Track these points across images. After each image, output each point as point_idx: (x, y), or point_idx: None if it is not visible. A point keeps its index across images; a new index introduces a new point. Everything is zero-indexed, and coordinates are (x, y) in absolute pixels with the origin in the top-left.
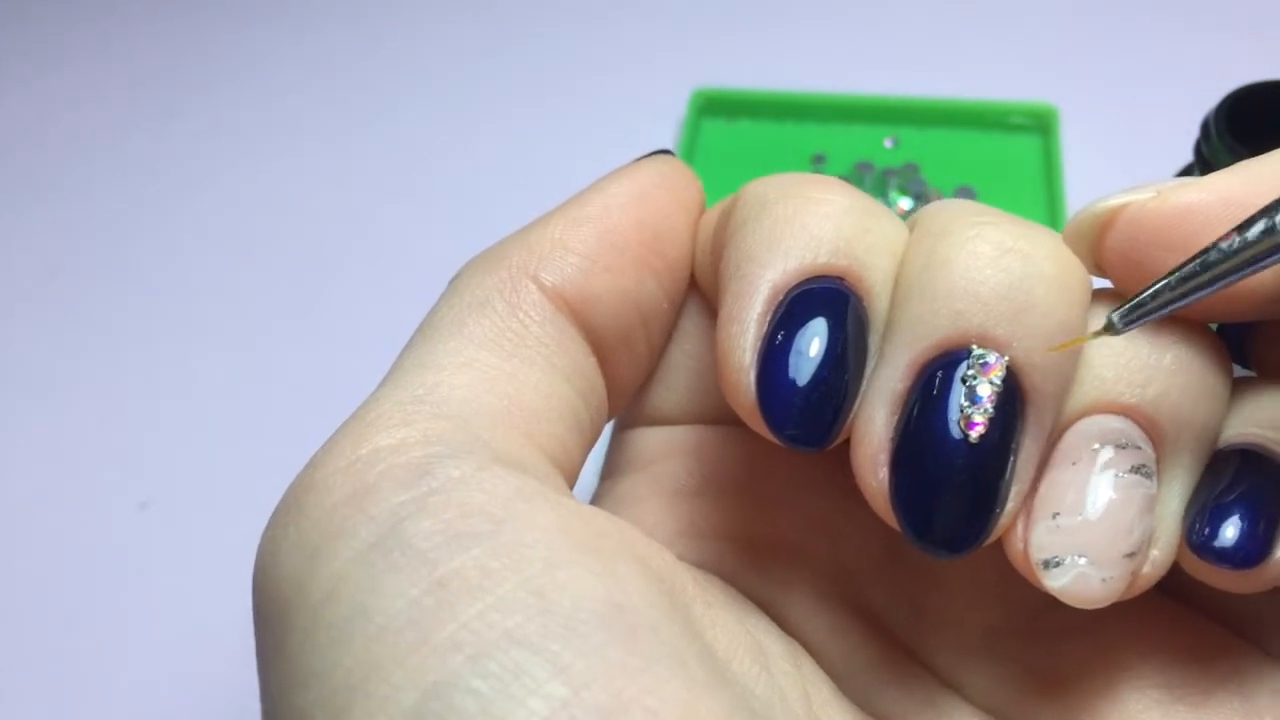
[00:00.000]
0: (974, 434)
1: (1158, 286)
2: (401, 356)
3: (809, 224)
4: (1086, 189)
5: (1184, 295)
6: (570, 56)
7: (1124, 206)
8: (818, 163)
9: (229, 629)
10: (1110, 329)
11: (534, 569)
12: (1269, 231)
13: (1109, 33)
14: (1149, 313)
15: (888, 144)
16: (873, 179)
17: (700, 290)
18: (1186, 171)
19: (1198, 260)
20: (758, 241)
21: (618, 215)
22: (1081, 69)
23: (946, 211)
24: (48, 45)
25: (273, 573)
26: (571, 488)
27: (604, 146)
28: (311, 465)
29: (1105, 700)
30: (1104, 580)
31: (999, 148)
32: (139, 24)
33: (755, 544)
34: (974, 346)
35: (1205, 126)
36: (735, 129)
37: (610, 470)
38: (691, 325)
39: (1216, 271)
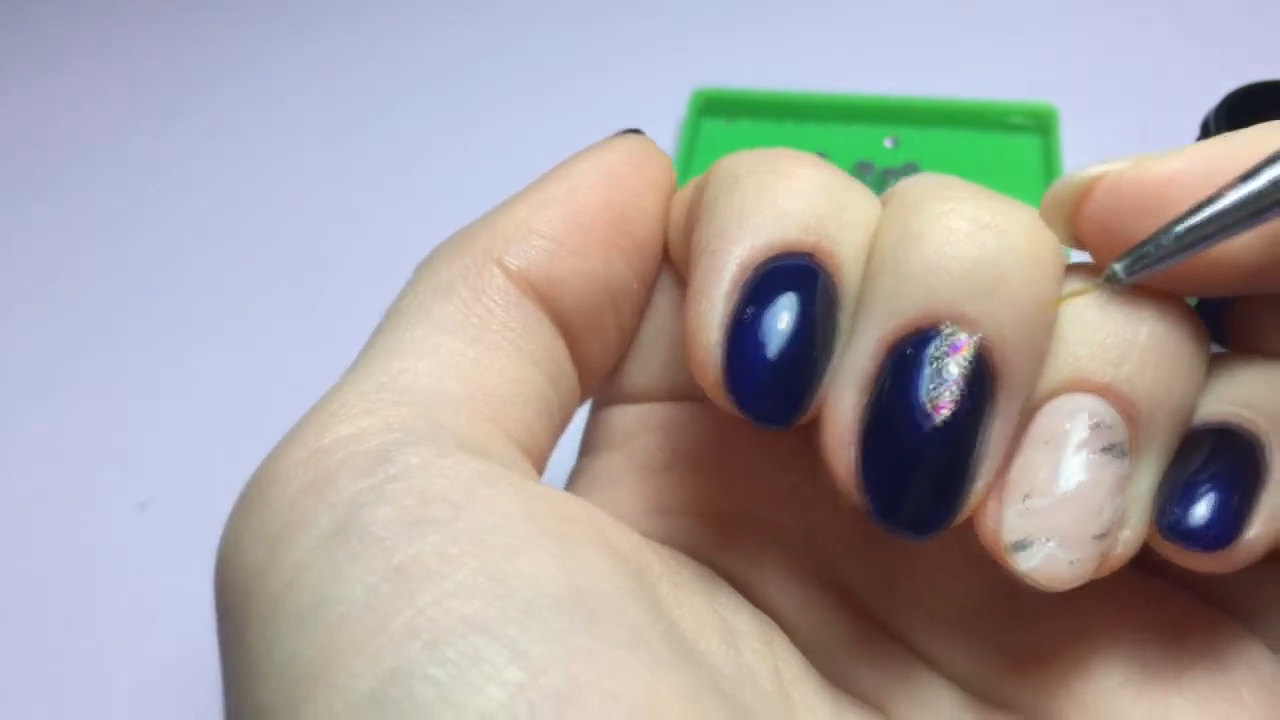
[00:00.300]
0: (941, 415)
1: (1159, 235)
2: (367, 345)
3: (778, 199)
4: None
5: (1187, 245)
6: (570, 56)
7: (1101, 176)
8: None
9: None
10: (1113, 279)
11: (494, 554)
12: (1276, 183)
13: (1109, 33)
14: (1152, 263)
15: (888, 144)
16: (873, 178)
17: (674, 267)
18: None
19: (1203, 209)
20: (727, 217)
21: (584, 196)
22: (1081, 69)
23: (920, 186)
24: (47, 45)
25: (234, 563)
26: (541, 471)
27: None
28: (273, 456)
29: (1081, 676)
30: (1072, 562)
31: (999, 148)
32: (139, 24)
33: (727, 519)
34: (944, 325)
35: (1205, 126)
36: (735, 129)
37: (586, 448)
38: (665, 302)
39: (1223, 220)
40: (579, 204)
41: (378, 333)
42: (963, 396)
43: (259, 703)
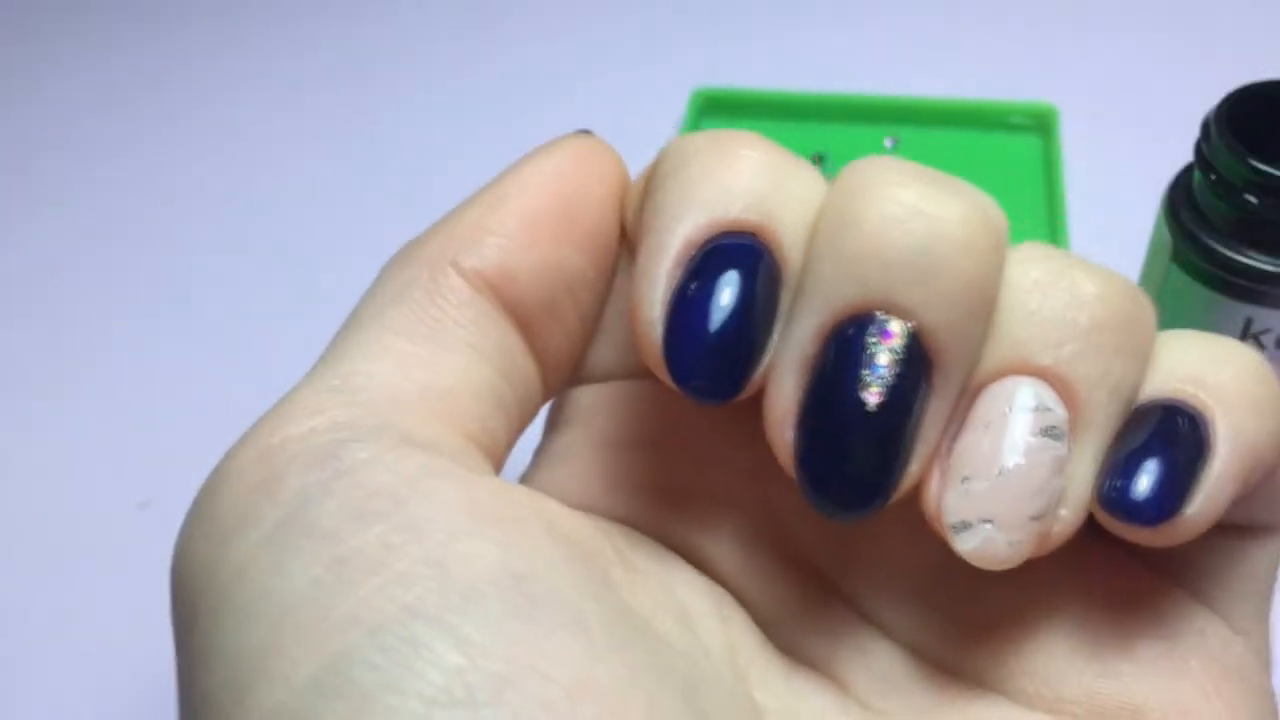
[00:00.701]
0: (871, 403)
1: None
2: (326, 350)
3: (723, 178)
4: (1086, 189)
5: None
6: (570, 56)
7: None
8: (818, 162)
9: None
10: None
11: (434, 543)
12: None
13: (1109, 33)
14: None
15: (888, 144)
16: None
17: (629, 251)
18: (1187, 172)
19: None
20: (672, 197)
21: (533, 192)
22: (1081, 69)
23: (863, 169)
24: (47, 44)
25: (186, 561)
26: (500, 465)
27: None
28: (226, 457)
29: (1032, 642)
30: (1010, 543)
31: (999, 148)
32: (138, 25)
33: (685, 494)
34: (877, 313)
35: (1205, 126)
36: (736, 129)
37: (549, 427)
38: (624, 284)
39: None
40: (529, 200)
41: (336, 337)
42: (894, 384)
43: (204, 691)
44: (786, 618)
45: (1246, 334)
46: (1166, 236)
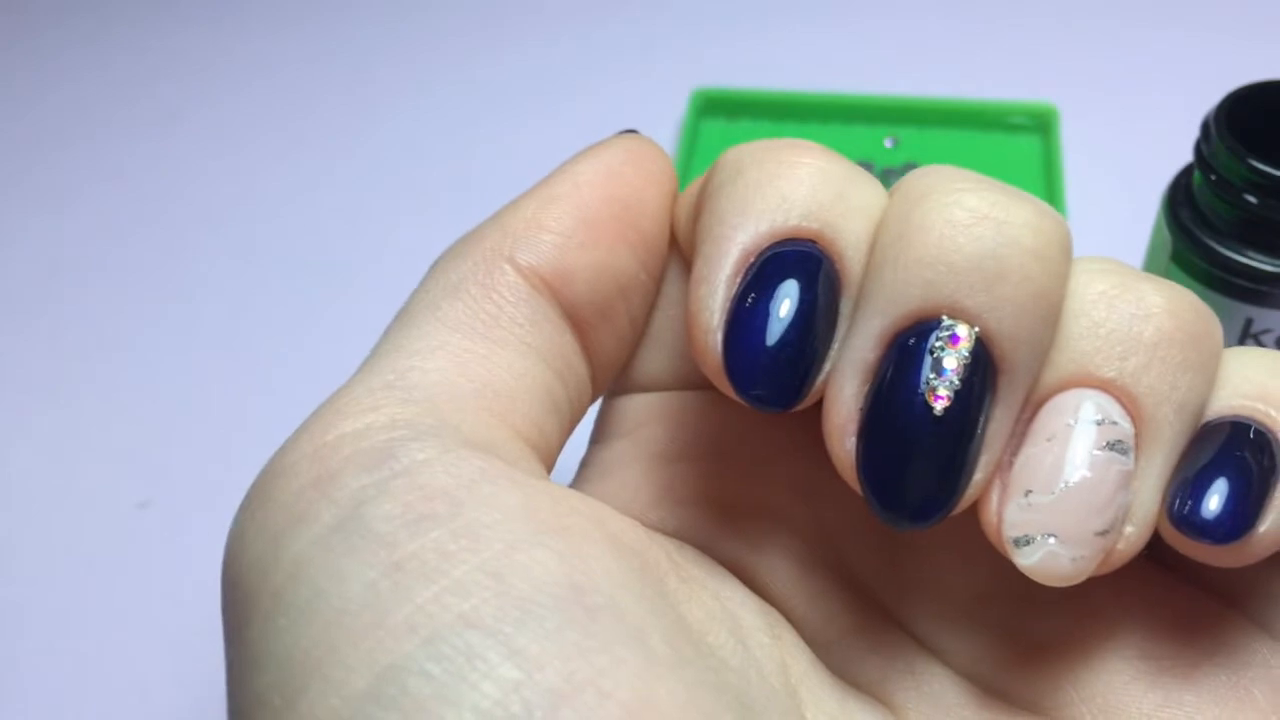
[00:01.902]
0: (938, 407)
1: None
2: (378, 343)
3: (782, 186)
4: (1086, 189)
5: None
6: (570, 57)
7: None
8: None
9: None
10: None
11: (492, 551)
12: None
13: (1109, 33)
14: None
15: (888, 144)
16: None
17: (683, 258)
18: (1186, 172)
19: None
20: (730, 204)
21: (588, 191)
22: (1081, 69)
23: (928, 177)
24: (46, 43)
25: (238, 559)
26: (551, 468)
27: None
28: (280, 452)
29: (1090, 669)
30: (1074, 559)
31: (999, 148)
32: (138, 24)
33: (736, 509)
34: (944, 317)
35: (1205, 126)
36: (736, 129)
37: (596, 437)
38: (674, 292)
39: None
40: (584, 199)
41: (388, 331)
42: (961, 389)
43: (256, 693)
44: (837, 638)
45: (1246, 334)
46: (1166, 236)
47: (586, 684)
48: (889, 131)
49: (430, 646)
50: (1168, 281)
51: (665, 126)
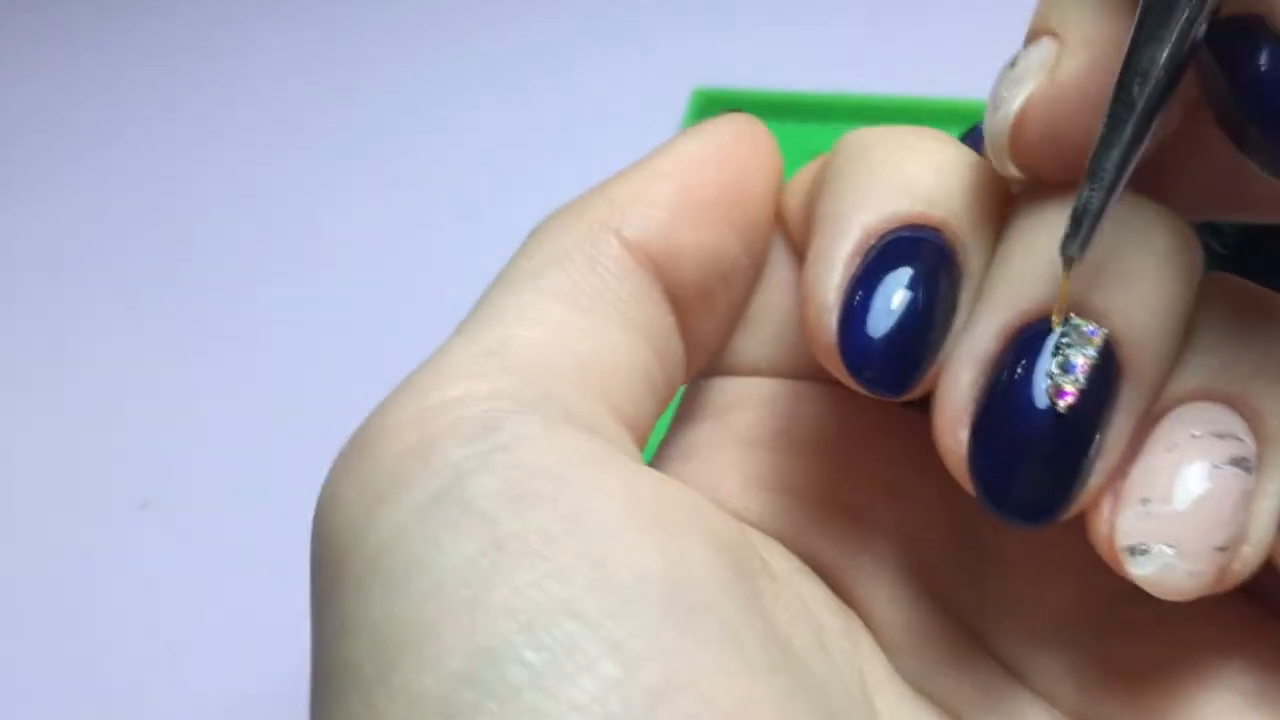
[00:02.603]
0: (1063, 403)
1: (1085, 190)
2: (476, 308)
3: (909, 171)
4: None
5: (1117, 170)
6: (570, 56)
7: (1024, 105)
8: None
9: (228, 628)
10: (1073, 261)
11: (595, 537)
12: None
13: None
14: (1096, 213)
15: None
16: None
17: (789, 243)
18: None
19: (1105, 125)
20: (853, 185)
21: (697, 171)
22: None
23: None
24: (45, 42)
25: (331, 519)
26: (642, 449)
27: (604, 146)
28: (378, 412)
29: (1178, 702)
30: (1191, 573)
31: None
32: (137, 20)
33: (822, 504)
34: (1071, 315)
35: None
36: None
37: (682, 417)
38: (778, 276)
39: (1146, 98)
40: (694, 178)
41: (486, 297)
42: (1087, 386)
43: (346, 660)
44: (915, 649)
45: None
46: None
47: (686, 686)
48: None
49: (529, 633)
50: None
51: (665, 126)
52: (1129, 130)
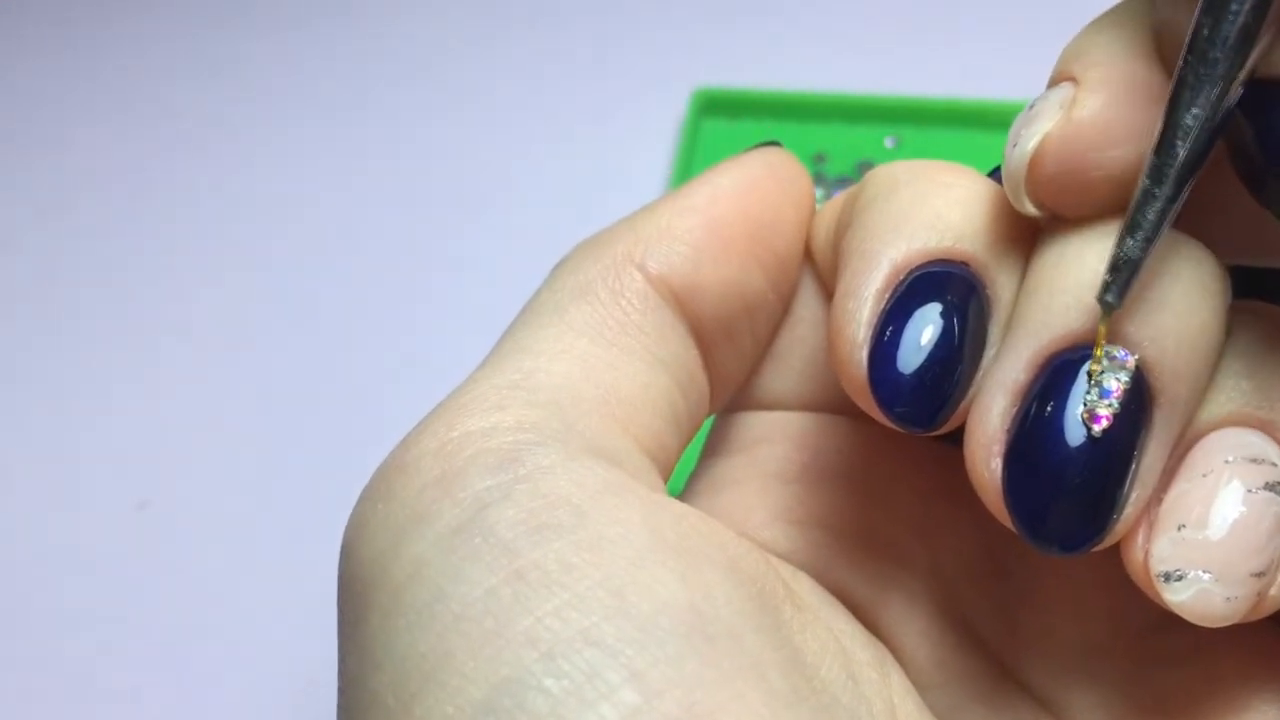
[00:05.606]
0: (1098, 428)
1: (1123, 241)
2: (501, 340)
3: (937, 207)
4: None
5: (1154, 227)
6: (570, 56)
7: (1042, 141)
8: (819, 162)
9: (227, 630)
10: (1111, 309)
11: (615, 567)
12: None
13: None
14: (1136, 262)
15: (889, 144)
16: None
17: (816, 276)
18: None
19: (1146, 181)
20: (883, 220)
21: (725, 205)
22: None
23: None
24: (44, 41)
25: (358, 551)
26: (666, 481)
27: (604, 146)
28: (403, 445)
29: None
30: (1228, 599)
31: (999, 148)
32: (137, 21)
33: (851, 538)
34: (1104, 341)
35: None
36: (736, 129)
37: (710, 451)
38: (805, 311)
39: (1192, 136)
40: (720, 213)
41: (511, 329)
42: (1121, 412)
43: (372, 691)
44: (946, 682)
45: None
46: None
47: (707, 716)
48: (890, 131)
49: (550, 662)
50: None
51: (665, 126)
52: (1170, 185)
